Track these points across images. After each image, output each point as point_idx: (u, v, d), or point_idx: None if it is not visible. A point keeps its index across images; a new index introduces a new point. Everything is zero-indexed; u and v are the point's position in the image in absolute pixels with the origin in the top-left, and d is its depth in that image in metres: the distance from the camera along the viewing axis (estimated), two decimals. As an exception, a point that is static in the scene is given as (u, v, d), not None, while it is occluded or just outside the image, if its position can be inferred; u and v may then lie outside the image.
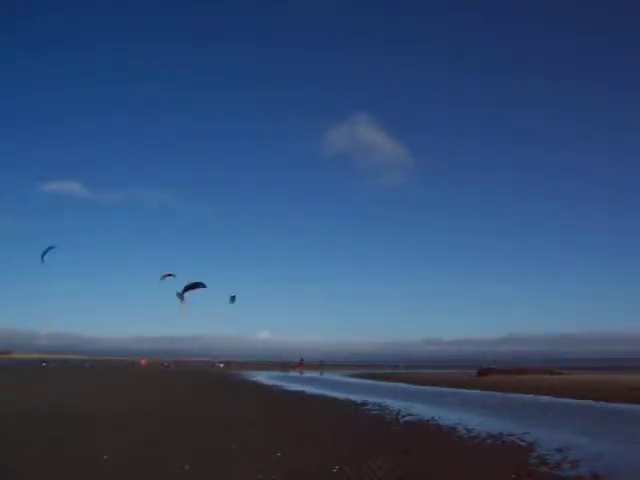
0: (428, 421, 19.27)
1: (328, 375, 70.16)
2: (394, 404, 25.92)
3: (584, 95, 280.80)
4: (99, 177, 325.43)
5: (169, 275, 39.17)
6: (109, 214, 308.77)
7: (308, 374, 74.68)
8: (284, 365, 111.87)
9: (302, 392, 35.10)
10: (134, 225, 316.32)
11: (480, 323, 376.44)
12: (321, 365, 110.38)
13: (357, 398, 29.54)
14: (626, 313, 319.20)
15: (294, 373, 78.08)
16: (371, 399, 28.75)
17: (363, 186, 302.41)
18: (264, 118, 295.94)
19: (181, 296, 35.00)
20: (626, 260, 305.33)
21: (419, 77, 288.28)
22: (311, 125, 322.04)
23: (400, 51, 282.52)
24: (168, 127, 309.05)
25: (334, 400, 28.79)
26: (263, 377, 60.61)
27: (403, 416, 20.79)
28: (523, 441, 14.72)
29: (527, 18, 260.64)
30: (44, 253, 36.87)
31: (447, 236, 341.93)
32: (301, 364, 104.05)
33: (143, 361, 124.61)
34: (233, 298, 38.94)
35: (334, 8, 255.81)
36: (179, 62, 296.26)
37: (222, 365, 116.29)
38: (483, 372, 58.98)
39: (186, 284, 35.28)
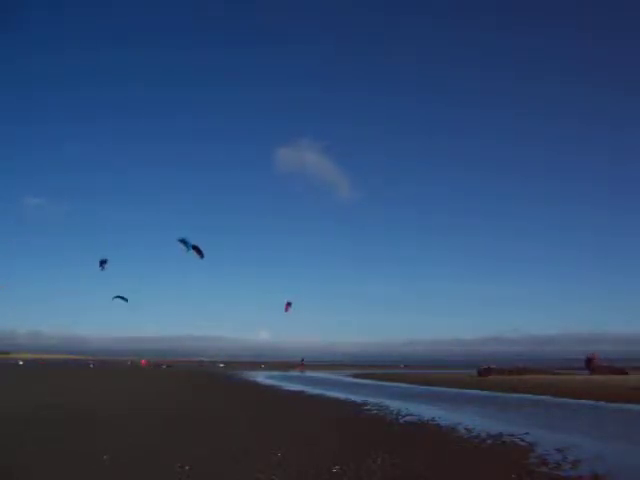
0: (428, 421, 19.27)
1: (328, 375, 70.12)
2: (394, 404, 25.91)
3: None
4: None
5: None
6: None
7: (309, 373, 74.71)
8: (284, 365, 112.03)
9: (302, 392, 35.08)
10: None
11: (467, 324, 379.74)
12: (319, 365, 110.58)
13: (357, 398, 29.53)
14: (614, 313, 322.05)
15: (295, 372, 78.11)
16: (371, 399, 28.74)
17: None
18: (229, 119, 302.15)
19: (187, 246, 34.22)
20: (613, 261, 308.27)
21: (363, 107, 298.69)
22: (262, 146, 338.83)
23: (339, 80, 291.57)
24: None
25: (334, 400, 28.77)
26: (263, 377, 60.60)
27: (403, 416, 20.78)
28: (523, 441, 14.72)
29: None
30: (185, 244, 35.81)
31: (432, 237, 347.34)
32: (302, 364, 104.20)
33: (143, 361, 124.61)
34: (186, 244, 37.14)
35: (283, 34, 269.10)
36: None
37: (222, 365, 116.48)
38: (483, 372, 58.97)
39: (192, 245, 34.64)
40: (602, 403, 26.58)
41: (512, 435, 15.76)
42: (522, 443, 14.41)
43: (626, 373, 55.11)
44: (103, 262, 39.15)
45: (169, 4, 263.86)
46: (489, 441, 14.74)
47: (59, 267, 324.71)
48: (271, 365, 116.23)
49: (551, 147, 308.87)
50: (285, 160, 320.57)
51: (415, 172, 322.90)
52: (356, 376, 65.17)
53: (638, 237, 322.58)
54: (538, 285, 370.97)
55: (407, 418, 20.19)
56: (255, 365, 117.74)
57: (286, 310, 52.24)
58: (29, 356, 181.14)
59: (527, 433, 16.15)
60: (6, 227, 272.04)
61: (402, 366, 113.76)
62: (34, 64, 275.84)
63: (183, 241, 34.54)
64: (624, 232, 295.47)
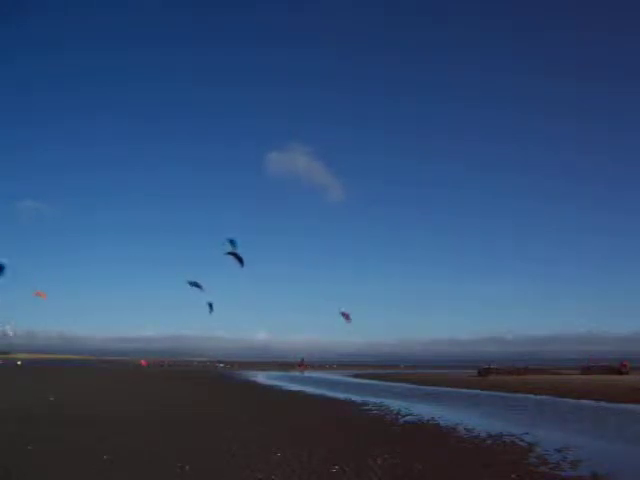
0: (428, 421, 19.27)
1: (327, 375, 70.14)
2: (394, 404, 25.92)
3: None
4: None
5: None
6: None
7: (309, 373, 74.73)
8: (284, 365, 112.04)
9: (302, 392, 35.08)
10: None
11: (466, 324, 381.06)
12: (318, 365, 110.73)
13: (357, 398, 29.53)
14: (614, 313, 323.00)
15: (294, 372, 78.12)
16: (371, 399, 28.74)
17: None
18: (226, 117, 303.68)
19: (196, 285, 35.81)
20: (612, 261, 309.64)
21: (353, 111, 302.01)
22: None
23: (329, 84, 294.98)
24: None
25: (334, 400, 28.78)
26: (263, 377, 60.61)
27: (403, 416, 20.79)
28: (523, 441, 14.73)
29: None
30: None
31: (429, 238, 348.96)
32: (302, 364, 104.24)
33: (143, 361, 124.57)
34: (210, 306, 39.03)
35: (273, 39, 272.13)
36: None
37: (222, 365, 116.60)
38: (483, 372, 59.08)
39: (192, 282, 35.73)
40: (602, 403, 26.60)
41: (512, 435, 15.77)
42: (522, 443, 14.42)
43: (621, 373, 55.38)
44: (195, 284, 39.02)
45: (169, 4, 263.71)
46: (489, 441, 14.74)
47: (58, 267, 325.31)
48: (271, 365, 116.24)
49: (551, 147, 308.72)
50: (276, 163, 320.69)
51: (410, 172, 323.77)
52: (356, 376, 65.22)
53: (638, 237, 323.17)
54: (536, 285, 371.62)
55: (407, 418, 20.20)
56: (255, 365, 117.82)
57: (347, 320, 53.10)
58: (26, 356, 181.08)
59: (527, 433, 16.16)
60: (5, 228, 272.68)
61: (402, 366, 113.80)
62: (34, 64, 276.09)
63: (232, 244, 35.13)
64: (624, 232, 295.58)
